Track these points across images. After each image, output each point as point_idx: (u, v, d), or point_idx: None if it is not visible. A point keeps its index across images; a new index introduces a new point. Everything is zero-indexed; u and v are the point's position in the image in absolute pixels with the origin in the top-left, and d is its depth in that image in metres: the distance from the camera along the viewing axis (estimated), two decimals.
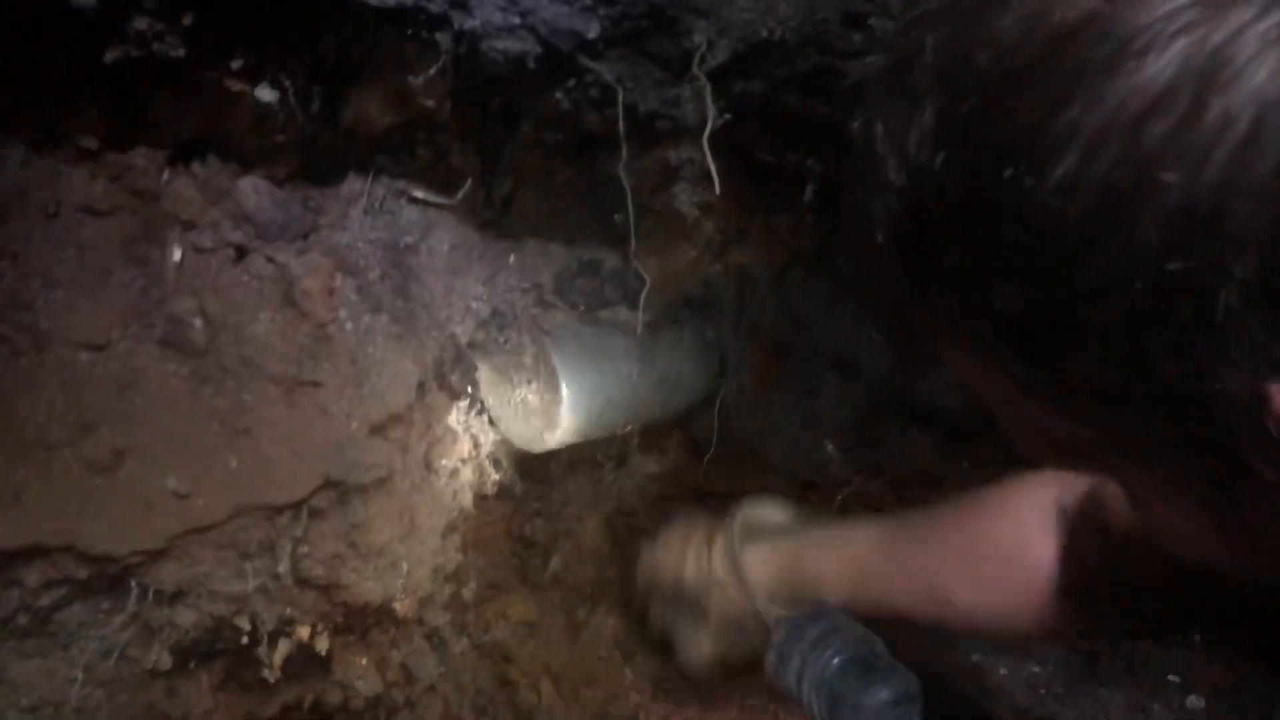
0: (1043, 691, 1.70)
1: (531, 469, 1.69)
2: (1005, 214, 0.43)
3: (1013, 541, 1.06)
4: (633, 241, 1.35)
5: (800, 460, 1.81)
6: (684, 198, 1.09)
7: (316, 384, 1.22)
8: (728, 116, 1.03)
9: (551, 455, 1.70)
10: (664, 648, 1.53)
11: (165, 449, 1.11)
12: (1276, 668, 1.67)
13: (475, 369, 1.44)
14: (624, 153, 1.00)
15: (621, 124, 1.02)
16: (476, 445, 1.53)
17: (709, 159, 0.93)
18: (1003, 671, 1.71)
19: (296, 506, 1.16)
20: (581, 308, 1.49)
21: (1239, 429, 0.42)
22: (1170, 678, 1.73)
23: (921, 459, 1.78)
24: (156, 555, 1.09)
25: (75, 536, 1.04)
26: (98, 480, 1.07)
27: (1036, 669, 1.74)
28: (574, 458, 1.75)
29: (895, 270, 0.50)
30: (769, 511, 1.48)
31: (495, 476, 1.57)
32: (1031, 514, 1.08)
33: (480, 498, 1.56)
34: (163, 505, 1.09)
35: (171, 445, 1.12)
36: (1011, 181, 0.42)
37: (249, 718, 1.28)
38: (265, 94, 1.29)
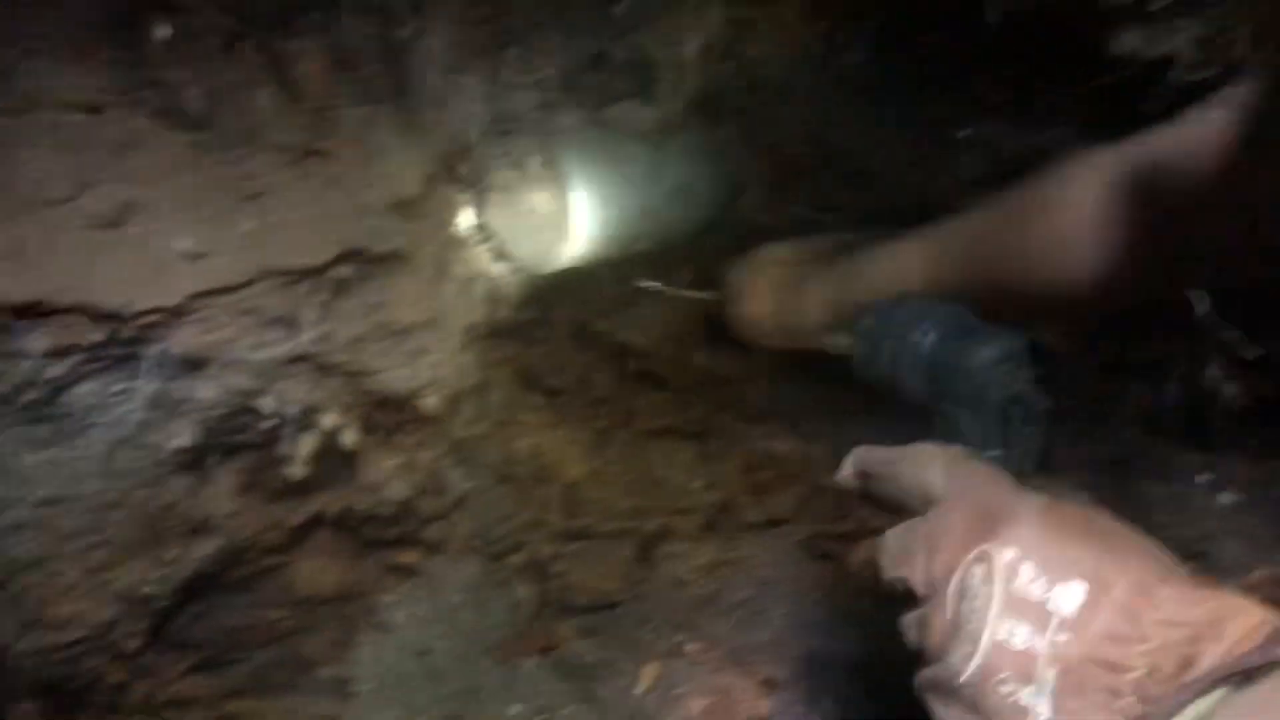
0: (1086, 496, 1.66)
1: (541, 303, 1.62)
2: None
3: (1071, 225, 1.05)
4: None
5: None
6: None
7: (326, 154, 1.14)
8: None
9: (562, 289, 1.64)
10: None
11: (173, 209, 1.03)
12: None
13: (484, 164, 1.37)
14: None
15: None
16: (487, 266, 1.46)
17: None
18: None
19: (318, 273, 1.08)
20: (591, 104, 1.42)
21: None
22: (1198, 480, 1.71)
23: None
24: (174, 315, 1.01)
25: (85, 293, 0.96)
26: (104, 236, 0.99)
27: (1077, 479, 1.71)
28: (584, 293, 1.68)
29: None
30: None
31: (507, 298, 1.50)
32: (1084, 196, 1.08)
33: (491, 326, 1.49)
34: (176, 264, 1.01)
35: (180, 206, 1.03)
36: None
37: (275, 526, 1.20)
38: None
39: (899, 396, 0.89)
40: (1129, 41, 1.23)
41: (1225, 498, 1.66)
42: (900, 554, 0.74)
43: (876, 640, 1.32)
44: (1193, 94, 1.15)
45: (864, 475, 0.81)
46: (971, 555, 0.68)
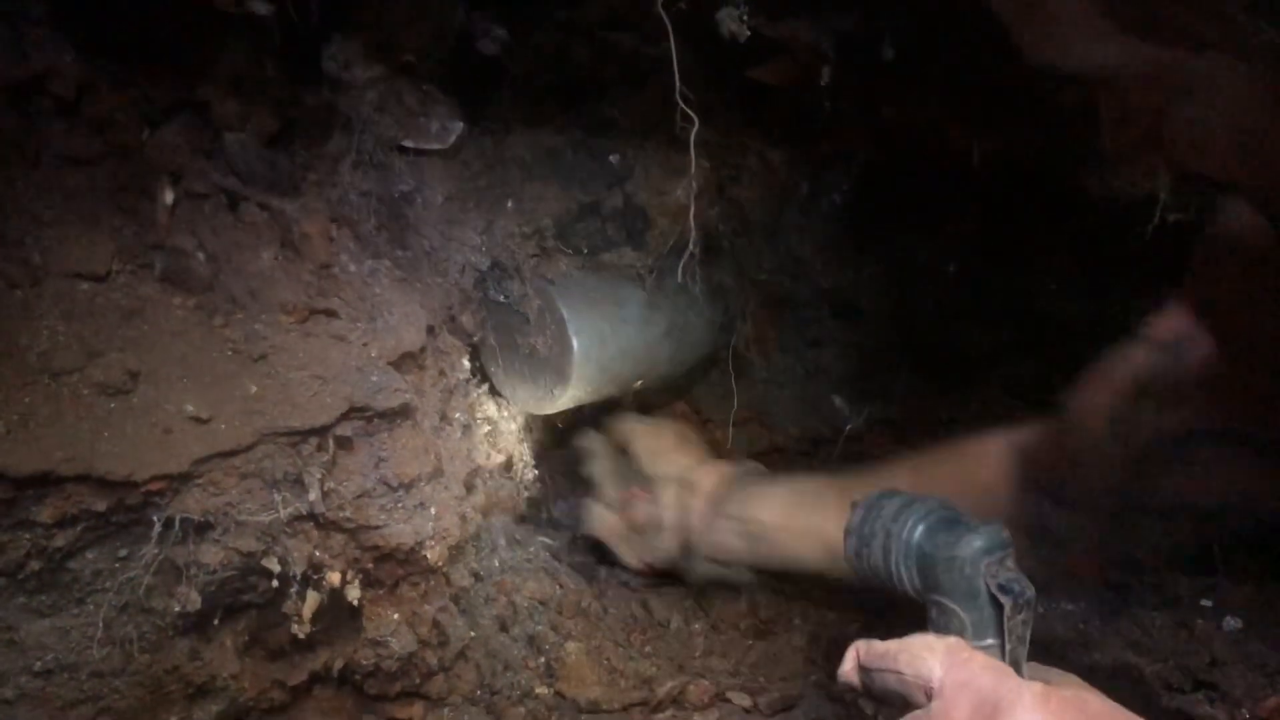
0: (1082, 625, 1.65)
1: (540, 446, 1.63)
2: None
3: (982, 481, 1.12)
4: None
5: (808, 416, 1.77)
6: None
7: (330, 313, 1.16)
8: None
9: (560, 433, 1.65)
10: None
11: (179, 375, 1.04)
12: None
13: (484, 311, 1.39)
14: None
15: None
16: (487, 411, 1.48)
17: None
18: (1040, 610, 1.66)
19: (322, 433, 1.09)
20: (585, 251, 1.45)
21: None
22: (1203, 603, 1.70)
23: (929, 404, 1.75)
24: (180, 481, 1.01)
25: (91, 463, 0.96)
26: (111, 404, 1.00)
27: (1070, 606, 1.70)
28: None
29: None
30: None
31: (505, 441, 1.51)
32: (994, 457, 1.18)
33: (491, 469, 1.49)
34: (182, 429, 1.01)
35: (186, 371, 1.05)
36: None
37: (276, 685, 1.18)
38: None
39: (893, 588, 0.91)
40: (1109, 184, 1.27)
41: (1229, 623, 1.65)
42: None
43: None
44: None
45: (864, 670, 0.82)
46: None
